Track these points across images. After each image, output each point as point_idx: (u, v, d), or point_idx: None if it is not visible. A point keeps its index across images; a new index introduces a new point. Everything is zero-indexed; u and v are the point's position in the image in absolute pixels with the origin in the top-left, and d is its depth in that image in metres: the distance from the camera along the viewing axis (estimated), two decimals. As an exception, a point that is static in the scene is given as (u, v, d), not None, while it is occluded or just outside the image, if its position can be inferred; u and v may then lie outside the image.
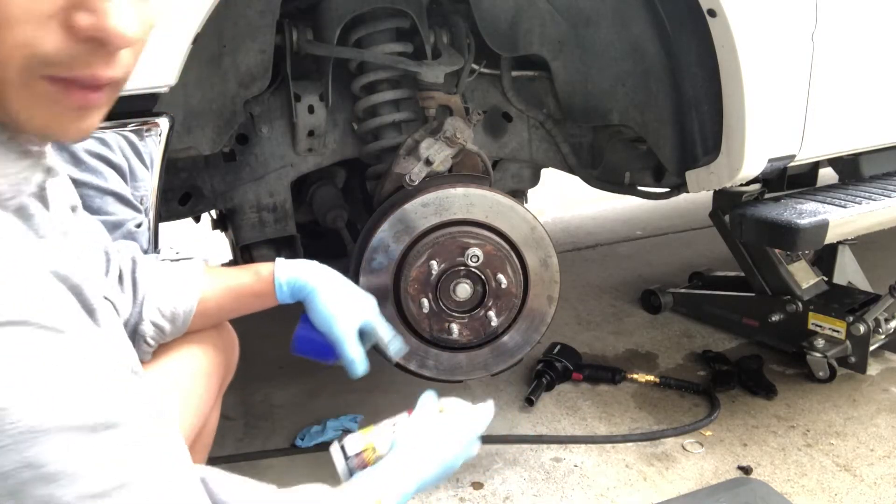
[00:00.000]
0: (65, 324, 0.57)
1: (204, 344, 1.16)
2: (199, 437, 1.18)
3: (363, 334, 1.24)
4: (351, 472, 1.05)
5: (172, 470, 0.66)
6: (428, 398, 1.16)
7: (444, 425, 1.11)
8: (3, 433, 0.51)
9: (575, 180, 2.15)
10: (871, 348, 2.07)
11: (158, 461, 0.63)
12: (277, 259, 1.22)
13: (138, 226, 1.31)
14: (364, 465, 1.05)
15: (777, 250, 2.18)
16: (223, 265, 2.21)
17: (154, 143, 1.24)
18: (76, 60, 0.58)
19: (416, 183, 1.61)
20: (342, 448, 1.08)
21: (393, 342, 1.31)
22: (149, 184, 1.30)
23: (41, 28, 0.55)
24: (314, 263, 1.23)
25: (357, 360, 1.19)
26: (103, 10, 0.56)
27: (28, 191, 0.64)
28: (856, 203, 1.83)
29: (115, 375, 0.62)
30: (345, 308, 1.19)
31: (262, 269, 1.21)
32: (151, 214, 1.30)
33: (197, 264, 1.17)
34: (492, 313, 1.60)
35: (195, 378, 1.14)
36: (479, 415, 1.19)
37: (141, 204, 1.33)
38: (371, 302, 1.25)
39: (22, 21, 0.55)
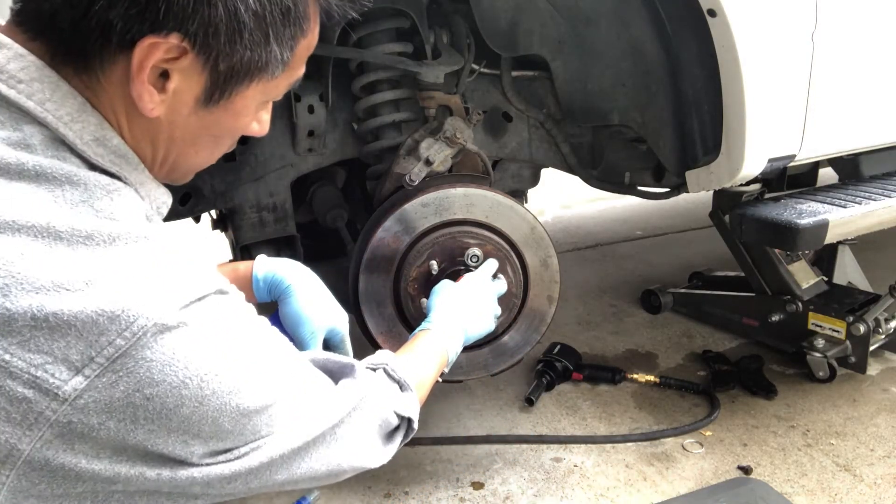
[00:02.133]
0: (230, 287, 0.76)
1: None
2: None
3: (330, 345, 1.21)
4: None
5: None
6: (443, 282, 1.40)
7: (460, 284, 1.39)
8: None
9: (575, 180, 2.15)
10: (871, 348, 2.07)
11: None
12: (258, 256, 1.21)
13: None
14: None
15: (777, 250, 2.18)
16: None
17: None
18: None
19: (416, 183, 1.61)
20: None
21: None
22: None
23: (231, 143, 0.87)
24: (294, 262, 1.22)
25: None
26: (266, 121, 0.88)
27: (164, 213, 0.84)
28: (856, 203, 1.83)
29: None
30: (317, 312, 1.16)
31: (240, 266, 1.20)
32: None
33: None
34: (492, 313, 1.60)
35: None
36: (487, 265, 1.51)
37: None
38: (344, 317, 1.22)
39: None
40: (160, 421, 0.65)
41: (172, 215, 1.74)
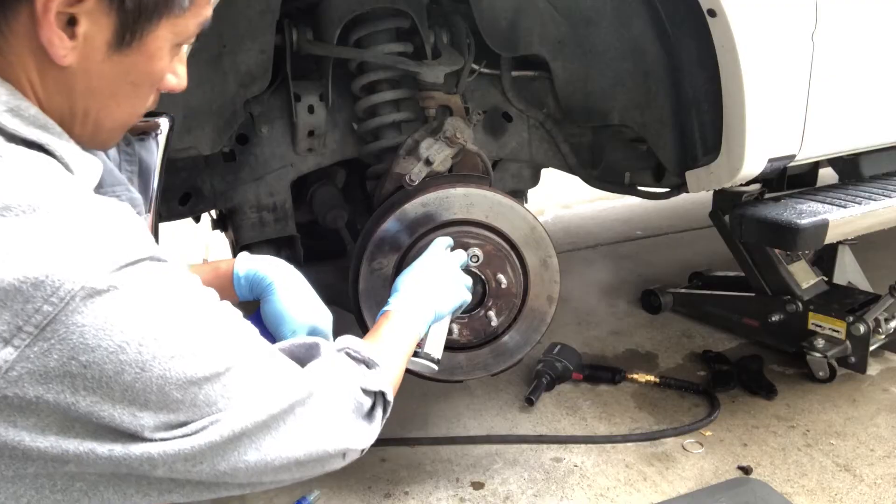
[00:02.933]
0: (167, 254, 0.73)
1: None
2: None
3: None
4: None
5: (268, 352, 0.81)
6: None
7: (424, 260, 1.34)
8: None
9: (575, 180, 2.16)
10: (871, 348, 2.07)
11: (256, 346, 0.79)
12: (240, 253, 1.19)
13: None
14: None
15: (777, 250, 2.18)
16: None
17: (154, 144, 1.23)
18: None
19: (416, 183, 1.61)
20: None
21: None
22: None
23: (151, 96, 0.83)
24: (277, 260, 1.19)
25: None
26: (183, 74, 0.85)
27: (94, 184, 0.81)
28: (856, 203, 1.83)
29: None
30: (299, 310, 1.12)
31: (221, 264, 1.17)
32: (152, 214, 1.30)
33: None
34: (492, 313, 1.60)
35: None
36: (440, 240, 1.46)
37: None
38: (328, 316, 1.17)
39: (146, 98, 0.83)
40: (102, 390, 0.63)
41: (173, 215, 1.74)
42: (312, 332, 1.14)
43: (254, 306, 1.16)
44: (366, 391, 0.90)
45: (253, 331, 0.81)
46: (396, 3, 1.64)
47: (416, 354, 1.28)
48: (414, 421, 1.99)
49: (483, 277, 1.58)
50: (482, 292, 1.60)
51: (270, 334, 1.12)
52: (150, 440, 0.66)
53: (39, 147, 0.71)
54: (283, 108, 1.73)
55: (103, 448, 0.65)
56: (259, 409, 0.73)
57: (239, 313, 0.81)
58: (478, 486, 1.72)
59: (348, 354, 0.93)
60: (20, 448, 0.62)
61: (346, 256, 1.86)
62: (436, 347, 1.32)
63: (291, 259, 1.91)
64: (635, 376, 2.14)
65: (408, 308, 1.18)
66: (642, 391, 2.11)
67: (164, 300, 0.68)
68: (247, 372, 0.74)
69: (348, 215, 1.95)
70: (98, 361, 0.62)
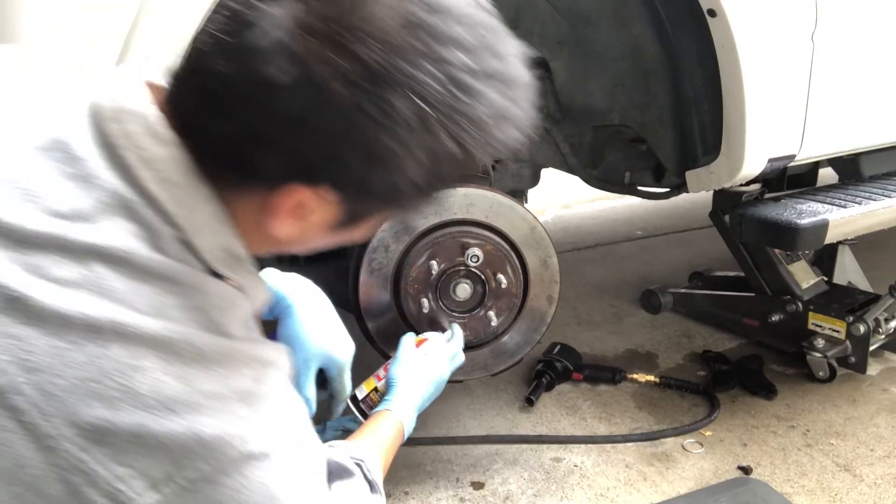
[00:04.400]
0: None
1: None
2: None
3: (326, 376, 1.17)
4: (364, 415, 1.25)
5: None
6: (405, 339, 1.37)
7: (425, 354, 1.34)
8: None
9: (575, 180, 2.16)
10: (871, 348, 2.07)
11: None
12: (266, 268, 1.16)
13: None
14: (373, 405, 1.25)
15: (777, 250, 2.18)
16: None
17: None
18: None
19: (416, 183, 1.60)
20: (354, 397, 1.26)
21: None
22: None
23: None
24: (302, 280, 1.17)
25: (305, 398, 1.13)
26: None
27: (263, 311, 0.86)
28: (856, 203, 1.83)
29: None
30: (316, 336, 1.11)
31: None
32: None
33: None
34: (492, 313, 1.60)
35: None
36: (454, 336, 1.46)
37: None
38: (349, 346, 1.17)
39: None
40: None
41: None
42: (326, 360, 1.14)
43: (272, 325, 1.13)
44: None
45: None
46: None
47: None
48: (414, 421, 1.99)
49: (483, 277, 1.58)
50: (482, 292, 1.60)
51: None
52: None
53: (229, 278, 0.73)
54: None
55: None
56: None
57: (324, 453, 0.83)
58: (478, 486, 1.72)
59: (362, 471, 0.94)
60: None
61: (346, 256, 1.86)
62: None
63: (292, 259, 1.92)
64: (635, 376, 2.13)
65: (407, 415, 1.22)
66: (642, 391, 2.11)
67: (301, 470, 0.71)
68: None
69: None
70: None
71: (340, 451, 0.95)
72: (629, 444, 1.85)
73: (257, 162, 0.66)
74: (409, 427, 1.22)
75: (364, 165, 0.65)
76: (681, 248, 3.44)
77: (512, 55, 0.70)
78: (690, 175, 1.73)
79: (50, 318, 0.58)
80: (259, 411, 0.67)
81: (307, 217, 0.71)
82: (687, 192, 1.81)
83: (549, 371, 2.11)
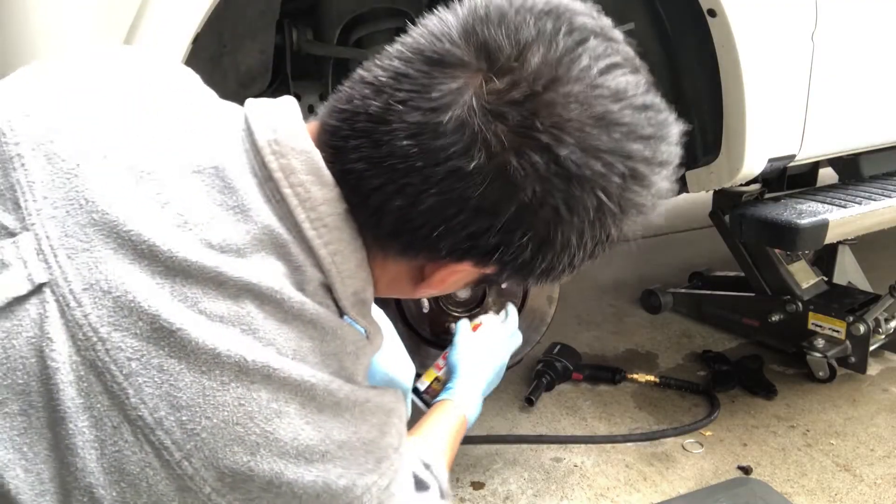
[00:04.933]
0: None
1: None
2: None
3: None
4: (427, 404, 1.26)
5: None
6: (461, 325, 1.34)
7: (483, 338, 1.31)
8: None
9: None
10: (871, 348, 2.07)
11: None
12: None
13: None
14: (435, 394, 1.25)
15: (777, 250, 2.18)
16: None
17: None
18: None
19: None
20: (416, 389, 1.27)
21: None
22: None
23: None
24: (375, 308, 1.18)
25: None
26: None
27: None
28: (856, 203, 1.83)
29: None
30: (383, 360, 1.10)
31: None
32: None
33: None
34: (492, 313, 1.60)
35: None
36: (508, 317, 1.40)
37: None
38: (410, 370, 1.18)
39: None
40: None
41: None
42: (389, 383, 1.12)
43: None
44: None
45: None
46: (396, 3, 1.64)
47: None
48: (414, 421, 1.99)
49: (483, 277, 1.58)
50: (482, 292, 1.60)
51: None
52: None
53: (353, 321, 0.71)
54: (283, 108, 1.73)
55: None
56: None
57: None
58: (478, 486, 1.72)
59: (438, 484, 0.93)
60: None
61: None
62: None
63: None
64: (635, 376, 2.13)
65: (472, 403, 1.21)
66: (642, 391, 2.11)
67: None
68: None
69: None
70: None
71: (412, 453, 0.92)
72: (629, 444, 1.85)
73: (429, 240, 0.63)
74: (473, 414, 1.20)
75: (535, 252, 0.64)
76: (681, 248, 3.44)
77: (675, 136, 0.67)
78: (690, 175, 1.73)
79: (200, 354, 0.57)
80: (384, 461, 0.67)
81: (445, 279, 0.70)
82: (687, 192, 1.81)
83: (549, 371, 2.11)
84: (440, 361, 1.31)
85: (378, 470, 0.66)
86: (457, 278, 0.71)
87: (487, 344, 1.31)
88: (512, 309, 1.43)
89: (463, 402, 1.18)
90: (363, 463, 0.65)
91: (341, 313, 0.69)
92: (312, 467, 0.60)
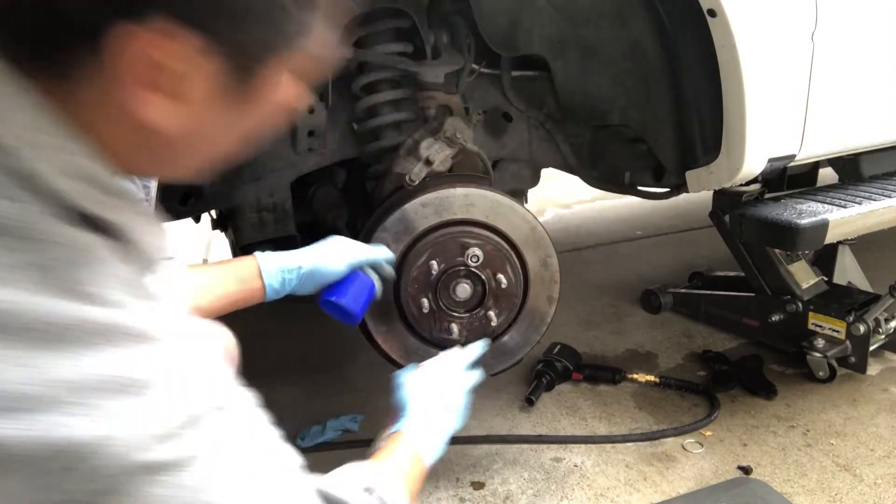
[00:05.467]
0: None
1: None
2: None
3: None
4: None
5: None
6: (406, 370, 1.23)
7: (429, 374, 1.20)
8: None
9: (575, 180, 2.15)
10: (871, 348, 2.07)
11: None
12: (257, 256, 1.27)
13: None
14: None
15: (777, 250, 2.18)
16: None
17: None
18: None
19: (416, 183, 1.61)
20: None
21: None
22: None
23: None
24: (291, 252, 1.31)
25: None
26: (302, 92, 0.68)
27: (155, 270, 0.65)
28: (856, 203, 1.83)
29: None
30: (352, 246, 1.33)
31: (243, 269, 1.25)
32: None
33: (178, 263, 1.11)
34: (492, 313, 1.60)
35: None
36: (464, 349, 1.32)
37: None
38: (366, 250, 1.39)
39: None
40: None
41: (173, 215, 1.74)
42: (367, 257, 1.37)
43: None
44: None
45: (300, 477, 0.69)
46: (396, 3, 1.64)
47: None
48: (414, 421, 1.99)
49: (483, 277, 1.58)
50: (482, 292, 1.60)
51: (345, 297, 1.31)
52: None
53: (98, 223, 0.55)
54: (283, 108, 1.73)
55: None
56: None
57: (286, 453, 0.68)
58: (478, 486, 1.72)
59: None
60: None
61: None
62: None
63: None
64: (635, 376, 2.13)
65: (425, 442, 1.07)
66: (642, 391, 2.11)
67: (226, 470, 0.56)
68: None
69: (348, 215, 1.95)
70: None
71: (349, 478, 0.82)
72: (629, 444, 1.85)
73: (59, 6, 0.49)
74: (430, 450, 1.07)
75: None
76: (681, 248, 3.44)
77: None
78: (690, 175, 1.73)
79: None
80: (146, 407, 0.51)
81: (179, 88, 0.54)
82: (687, 192, 1.81)
83: (549, 371, 2.11)
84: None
85: (163, 422, 0.51)
86: (175, 79, 0.54)
87: (434, 380, 1.19)
88: (475, 345, 1.38)
89: (415, 436, 1.04)
90: (134, 412, 0.50)
91: (64, 205, 0.52)
92: (23, 419, 0.46)
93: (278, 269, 1.27)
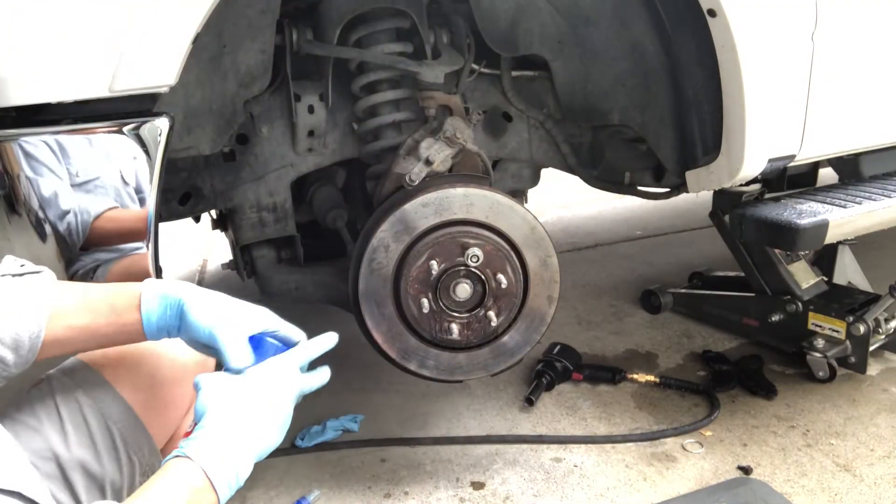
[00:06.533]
0: None
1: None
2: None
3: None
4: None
5: None
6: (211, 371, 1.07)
7: (239, 378, 0.96)
8: None
9: (575, 180, 2.16)
10: (871, 348, 2.07)
11: None
12: (145, 283, 1.01)
13: None
14: None
15: (777, 250, 2.18)
16: (224, 265, 2.21)
17: (154, 144, 1.23)
18: None
19: (416, 183, 1.61)
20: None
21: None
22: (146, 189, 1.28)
23: None
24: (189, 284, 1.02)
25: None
26: None
27: None
28: (856, 203, 1.83)
29: None
30: (204, 317, 0.96)
31: (120, 297, 0.98)
32: (152, 213, 1.30)
33: (45, 279, 0.96)
34: (492, 313, 1.60)
35: (171, 381, 1.13)
36: (296, 349, 1.05)
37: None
38: (251, 314, 1.01)
39: None
40: None
41: (172, 215, 1.74)
42: (218, 332, 0.96)
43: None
44: None
45: None
46: (396, 3, 1.64)
47: None
48: (414, 421, 1.99)
49: (483, 277, 1.58)
50: (482, 292, 1.60)
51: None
52: None
53: None
54: (282, 108, 1.73)
55: None
56: None
57: None
58: (478, 486, 1.72)
59: None
60: None
61: (346, 256, 1.86)
62: None
63: (292, 259, 1.92)
64: (635, 376, 2.14)
65: (218, 465, 0.84)
66: (642, 391, 2.11)
67: None
68: None
69: (348, 215, 1.95)
70: None
71: None
72: (629, 444, 1.85)
73: None
74: (225, 475, 0.84)
75: None
76: (681, 248, 3.44)
77: None
78: (690, 175, 1.73)
79: None
80: None
81: None
82: (687, 192, 1.81)
83: (549, 371, 2.11)
84: None
85: None
86: None
87: (247, 384, 0.94)
88: (318, 339, 1.09)
89: (204, 460, 0.83)
90: None
91: None
92: None
93: (160, 298, 0.99)
